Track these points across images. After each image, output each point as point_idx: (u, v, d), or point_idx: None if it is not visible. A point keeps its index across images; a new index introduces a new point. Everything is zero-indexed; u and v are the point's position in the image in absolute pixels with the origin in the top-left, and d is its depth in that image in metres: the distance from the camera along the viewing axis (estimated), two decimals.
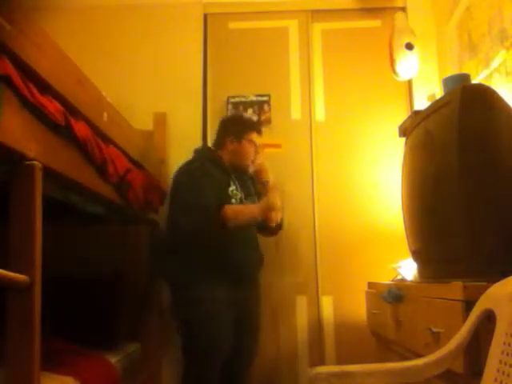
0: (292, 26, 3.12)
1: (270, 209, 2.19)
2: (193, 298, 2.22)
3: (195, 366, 2.23)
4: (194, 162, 2.38)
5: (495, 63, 2.06)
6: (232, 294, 2.24)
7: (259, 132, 2.47)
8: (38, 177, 1.34)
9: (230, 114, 2.92)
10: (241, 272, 2.29)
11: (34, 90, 1.33)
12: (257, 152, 2.44)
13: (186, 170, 2.35)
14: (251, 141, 2.42)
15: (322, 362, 2.75)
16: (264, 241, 2.53)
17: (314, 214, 2.88)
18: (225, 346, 2.21)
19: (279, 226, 2.46)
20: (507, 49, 1.96)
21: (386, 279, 2.34)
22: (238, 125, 2.47)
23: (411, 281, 2.11)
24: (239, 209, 2.29)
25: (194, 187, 2.25)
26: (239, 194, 2.34)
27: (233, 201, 2.30)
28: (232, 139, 2.41)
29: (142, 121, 2.81)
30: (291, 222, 2.78)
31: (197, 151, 2.50)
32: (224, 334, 2.20)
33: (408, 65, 2.64)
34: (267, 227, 2.37)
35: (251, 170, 2.47)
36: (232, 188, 2.33)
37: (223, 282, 2.22)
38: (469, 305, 1.23)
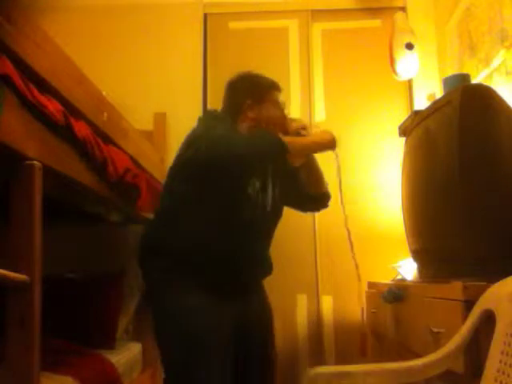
0: (292, 25, 3.12)
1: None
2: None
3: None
4: (211, 127, 1.74)
5: (495, 63, 2.06)
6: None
7: (280, 89, 1.92)
8: (38, 177, 1.34)
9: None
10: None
11: (34, 90, 1.33)
12: (285, 114, 1.90)
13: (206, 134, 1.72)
14: (275, 101, 1.88)
15: (322, 362, 2.75)
16: None
17: (313, 213, 2.87)
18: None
19: (328, 195, 2.04)
20: (507, 48, 1.96)
21: (386, 279, 2.34)
22: (255, 84, 1.90)
23: (411, 281, 2.11)
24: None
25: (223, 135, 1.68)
26: (256, 182, 1.77)
27: (249, 189, 1.73)
28: (251, 104, 1.84)
29: (142, 121, 2.81)
30: (291, 222, 2.76)
31: (211, 117, 1.89)
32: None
33: (408, 65, 2.63)
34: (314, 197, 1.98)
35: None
36: None
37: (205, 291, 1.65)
38: (469, 305, 1.23)
